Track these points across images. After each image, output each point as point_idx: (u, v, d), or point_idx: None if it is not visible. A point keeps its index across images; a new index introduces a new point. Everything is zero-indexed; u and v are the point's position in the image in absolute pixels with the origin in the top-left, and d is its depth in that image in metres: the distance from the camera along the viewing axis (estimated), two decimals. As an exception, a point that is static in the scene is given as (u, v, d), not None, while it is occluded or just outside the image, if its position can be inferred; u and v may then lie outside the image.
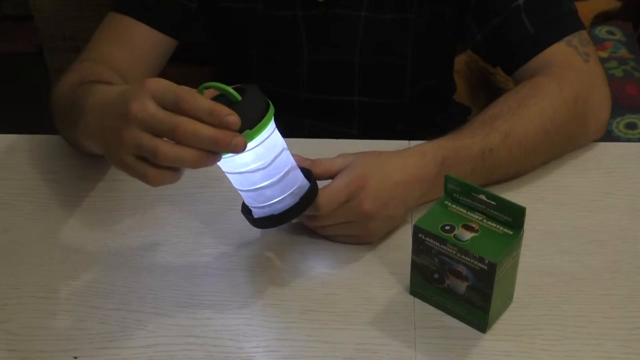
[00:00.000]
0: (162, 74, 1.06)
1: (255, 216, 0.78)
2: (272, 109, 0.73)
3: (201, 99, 0.69)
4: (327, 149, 0.90)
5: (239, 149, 0.68)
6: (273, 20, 1.04)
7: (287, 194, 0.76)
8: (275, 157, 0.74)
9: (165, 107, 0.69)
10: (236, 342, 0.76)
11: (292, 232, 0.86)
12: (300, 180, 0.77)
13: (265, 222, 0.78)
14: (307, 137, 1.02)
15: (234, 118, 0.68)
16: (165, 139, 0.69)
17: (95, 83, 0.84)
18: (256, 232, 0.87)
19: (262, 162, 0.73)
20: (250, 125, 0.70)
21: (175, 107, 0.68)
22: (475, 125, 0.89)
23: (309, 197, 0.77)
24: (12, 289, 0.82)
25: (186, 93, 0.69)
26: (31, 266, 0.84)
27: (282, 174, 0.75)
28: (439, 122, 1.17)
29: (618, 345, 0.74)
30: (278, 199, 0.76)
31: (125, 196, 0.92)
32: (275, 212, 0.76)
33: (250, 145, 0.70)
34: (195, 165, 0.69)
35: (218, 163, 0.71)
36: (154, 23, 1.01)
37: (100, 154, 0.80)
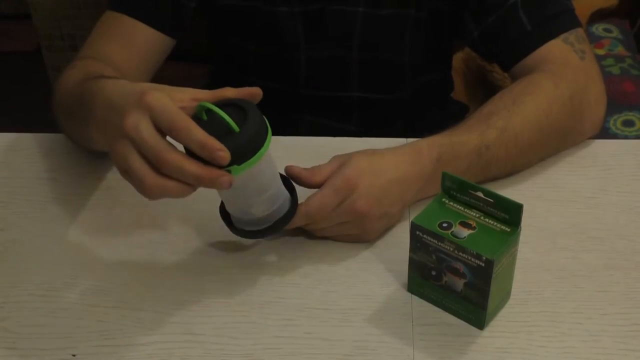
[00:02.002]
0: (161, 72, 1.06)
1: (236, 225, 0.79)
2: (268, 140, 0.71)
3: (195, 130, 0.68)
4: (325, 146, 0.90)
5: (223, 187, 0.69)
6: (271, 16, 1.04)
7: (272, 209, 0.77)
8: (263, 181, 0.74)
9: (159, 128, 0.69)
10: (234, 339, 0.76)
11: (290, 229, 0.86)
12: (283, 195, 0.78)
13: (245, 234, 0.78)
14: (305, 134, 1.02)
15: (224, 154, 0.68)
16: None
17: (102, 78, 0.82)
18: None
19: (248, 186, 0.73)
20: (240, 160, 0.69)
21: (168, 133, 0.69)
22: (471, 121, 0.90)
23: (289, 213, 0.78)
24: (11, 287, 0.82)
25: (181, 120, 0.68)
26: (29, 264, 0.84)
27: (267, 193, 0.75)
28: (437, 119, 1.18)
29: (615, 341, 0.75)
30: (261, 216, 0.76)
31: (123, 194, 0.92)
32: (255, 228, 0.77)
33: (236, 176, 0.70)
34: (179, 196, 0.70)
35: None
36: (152, 22, 1.01)
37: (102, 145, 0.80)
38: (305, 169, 0.82)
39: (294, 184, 0.81)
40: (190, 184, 0.69)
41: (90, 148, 0.90)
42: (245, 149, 0.69)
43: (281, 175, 0.79)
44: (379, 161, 0.83)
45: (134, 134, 0.68)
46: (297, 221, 0.80)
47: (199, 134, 0.68)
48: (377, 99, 1.11)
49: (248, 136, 0.69)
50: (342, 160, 0.82)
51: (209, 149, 0.67)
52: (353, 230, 0.83)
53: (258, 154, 0.70)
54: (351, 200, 0.80)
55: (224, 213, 0.81)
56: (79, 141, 0.93)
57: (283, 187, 0.78)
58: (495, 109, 0.90)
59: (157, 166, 0.68)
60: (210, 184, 0.68)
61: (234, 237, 0.86)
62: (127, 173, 0.70)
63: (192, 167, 0.68)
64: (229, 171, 0.69)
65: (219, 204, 0.87)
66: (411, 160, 0.84)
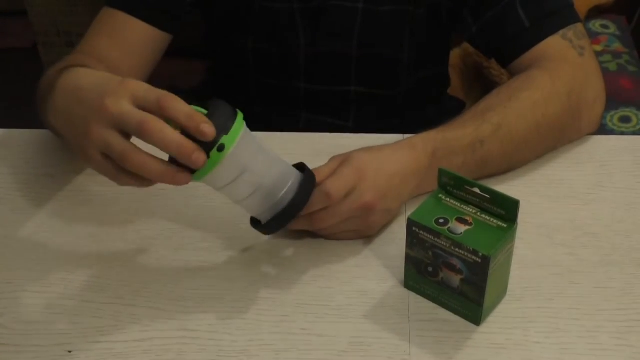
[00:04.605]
0: (159, 68, 1.06)
1: (264, 222, 0.78)
2: (239, 122, 0.72)
3: (182, 102, 0.69)
4: (322, 142, 0.90)
5: (198, 164, 0.69)
6: (270, 12, 1.04)
7: (283, 191, 0.75)
8: (252, 164, 0.73)
9: (144, 108, 0.70)
10: (230, 336, 0.76)
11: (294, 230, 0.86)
12: (293, 176, 0.77)
13: (274, 224, 0.77)
14: (303, 130, 1.02)
15: (209, 127, 0.69)
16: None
17: (76, 67, 0.83)
18: (250, 226, 0.87)
19: (238, 173, 0.73)
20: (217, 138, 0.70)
21: (156, 106, 0.69)
22: (467, 117, 0.89)
23: (307, 187, 0.76)
24: (6, 283, 0.81)
25: (168, 94, 0.69)
26: (25, 261, 0.84)
27: (267, 176, 0.75)
28: (433, 115, 1.17)
29: (611, 337, 0.75)
30: (274, 201, 0.75)
31: (119, 191, 0.91)
32: (279, 210, 0.76)
33: (221, 160, 0.70)
34: (160, 178, 0.70)
35: (205, 183, 0.72)
36: (148, 18, 1.01)
37: (64, 138, 0.81)
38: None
39: (306, 165, 0.79)
40: (172, 167, 0.70)
41: (54, 133, 0.90)
42: (220, 129, 0.70)
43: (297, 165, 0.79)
44: (379, 156, 0.83)
45: (115, 110, 0.69)
46: (317, 201, 0.78)
47: (187, 106, 0.69)
48: (375, 94, 1.11)
49: (219, 115, 0.70)
50: (343, 158, 0.82)
51: (196, 119, 0.68)
52: (357, 226, 0.82)
53: (234, 128, 0.71)
54: (359, 192, 0.79)
55: (254, 221, 0.80)
56: (48, 127, 0.91)
57: (287, 167, 0.77)
58: (492, 105, 0.90)
59: (139, 132, 0.69)
60: (186, 156, 0.68)
61: (229, 234, 0.86)
62: (95, 161, 0.72)
63: (175, 134, 0.69)
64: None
65: (215, 201, 0.87)
66: (408, 155, 0.84)
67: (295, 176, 0.77)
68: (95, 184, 0.93)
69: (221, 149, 0.70)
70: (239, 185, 0.74)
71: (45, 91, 0.85)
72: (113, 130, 0.70)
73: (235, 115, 0.72)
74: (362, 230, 0.84)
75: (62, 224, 0.88)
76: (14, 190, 0.93)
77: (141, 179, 0.72)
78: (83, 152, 0.74)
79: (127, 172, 0.72)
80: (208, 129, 0.69)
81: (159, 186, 0.90)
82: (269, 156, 0.76)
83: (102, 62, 0.94)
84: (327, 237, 0.84)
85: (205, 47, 1.21)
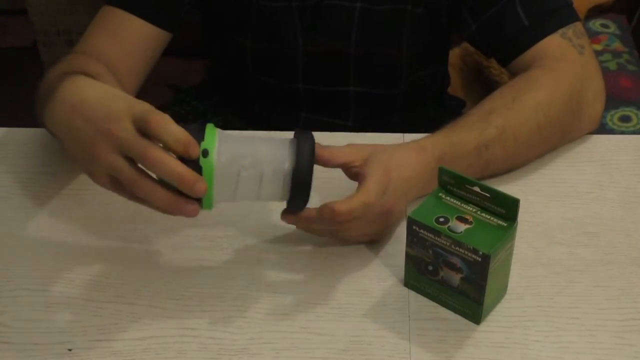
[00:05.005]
0: (158, 68, 1.06)
1: (288, 200, 0.76)
2: (209, 125, 0.73)
3: (168, 125, 0.69)
4: (321, 142, 0.90)
5: (200, 193, 0.69)
6: (268, 11, 1.04)
7: (286, 164, 0.74)
8: (242, 156, 0.73)
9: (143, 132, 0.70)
10: (230, 334, 0.76)
11: (287, 224, 0.86)
12: (286, 145, 0.75)
13: (296, 198, 0.75)
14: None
15: (194, 148, 0.69)
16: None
17: (77, 74, 0.83)
18: (250, 224, 0.87)
19: (235, 172, 0.73)
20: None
21: (149, 130, 0.69)
22: (472, 119, 0.89)
23: (305, 147, 0.74)
24: (6, 281, 0.81)
25: (155, 116, 0.69)
26: (25, 259, 0.84)
27: (263, 159, 0.73)
28: (433, 115, 1.18)
29: (612, 336, 0.75)
30: (285, 177, 0.74)
31: (119, 189, 0.92)
32: (292, 182, 0.74)
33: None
34: (167, 208, 0.71)
35: (216, 202, 0.72)
36: (147, 16, 1.01)
37: (63, 146, 0.80)
38: (322, 147, 0.80)
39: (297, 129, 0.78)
40: (181, 198, 0.70)
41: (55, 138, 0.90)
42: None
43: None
44: (396, 157, 0.82)
45: (121, 134, 0.70)
46: (356, 208, 0.76)
47: (173, 127, 0.69)
48: (374, 93, 1.11)
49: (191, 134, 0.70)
50: (365, 154, 0.81)
51: (182, 144, 0.69)
52: (373, 228, 0.82)
53: (207, 133, 0.71)
54: (387, 195, 0.79)
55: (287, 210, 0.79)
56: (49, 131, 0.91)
57: (278, 142, 0.75)
58: (495, 107, 0.90)
59: (142, 161, 0.70)
60: (190, 187, 0.69)
61: (229, 232, 0.86)
62: (102, 183, 0.74)
63: (177, 167, 0.69)
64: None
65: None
66: (417, 158, 0.83)
67: (290, 144, 0.75)
68: (96, 183, 0.93)
69: (205, 154, 0.70)
70: (243, 183, 0.73)
71: (45, 96, 0.84)
72: (120, 156, 0.71)
73: (204, 125, 0.73)
74: (376, 234, 0.83)
75: (63, 222, 0.88)
76: (14, 189, 0.93)
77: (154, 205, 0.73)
78: (89, 170, 0.74)
79: (137, 197, 0.72)
80: (192, 150, 0.69)
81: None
82: (254, 141, 0.75)
83: (101, 61, 0.94)
84: (335, 240, 0.84)
85: (204, 46, 1.21)
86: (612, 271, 0.81)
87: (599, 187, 0.91)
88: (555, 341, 0.74)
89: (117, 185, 0.73)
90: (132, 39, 1.01)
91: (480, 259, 0.71)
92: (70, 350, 0.75)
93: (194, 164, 0.70)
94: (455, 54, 1.37)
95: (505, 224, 0.73)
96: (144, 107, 0.71)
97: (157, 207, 0.72)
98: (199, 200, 0.71)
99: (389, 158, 0.81)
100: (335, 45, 1.06)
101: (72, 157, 0.78)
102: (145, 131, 0.69)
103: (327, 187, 0.86)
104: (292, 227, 0.85)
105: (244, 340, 0.75)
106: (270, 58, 1.09)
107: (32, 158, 0.97)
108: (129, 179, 0.71)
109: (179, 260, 0.83)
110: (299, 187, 0.74)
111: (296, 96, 1.11)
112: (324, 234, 0.83)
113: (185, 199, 0.70)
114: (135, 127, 0.70)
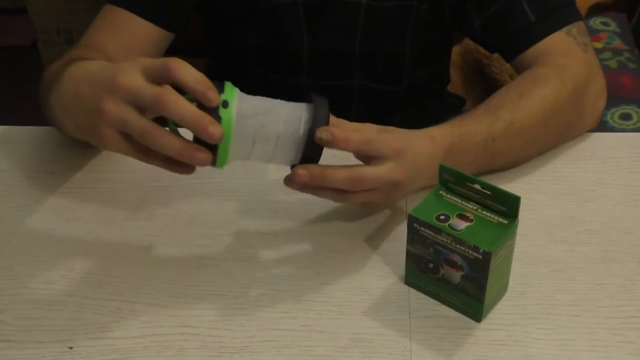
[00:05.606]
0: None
1: (302, 153, 0.75)
2: (228, 82, 0.72)
3: (190, 66, 0.69)
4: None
5: (214, 136, 0.68)
6: (273, 8, 1.04)
7: (302, 127, 0.74)
8: (260, 114, 0.73)
9: (155, 81, 0.70)
10: (231, 332, 0.76)
11: (288, 222, 0.86)
12: (304, 109, 0.75)
13: (314, 145, 0.74)
14: None
15: (214, 93, 0.69)
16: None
17: (80, 59, 0.83)
18: (251, 222, 0.87)
19: (253, 130, 0.72)
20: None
21: (165, 70, 0.69)
22: (480, 112, 0.89)
23: (321, 111, 0.75)
24: (7, 280, 0.81)
25: (175, 58, 0.69)
26: (26, 257, 0.84)
27: (281, 120, 0.73)
28: (433, 112, 1.18)
29: (612, 334, 0.75)
30: (299, 139, 0.74)
31: (119, 187, 0.92)
32: (305, 144, 0.74)
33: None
34: (180, 154, 0.69)
35: (230, 156, 0.71)
36: (150, 16, 1.01)
37: (69, 126, 0.80)
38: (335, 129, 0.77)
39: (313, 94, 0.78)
40: (192, 146, 0.70)
41: (58, 129, 0.90)
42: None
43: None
44: (411, 138, 0.82)
45: (129, 84, 0.69)
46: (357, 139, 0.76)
47: (194, 71, 0.69)
48: (376, 89, 1.11)
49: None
50: (383, 128, 0.81)
51: (205, 85, 0.68)
52: (377, 197, 0.81)
53: (227, 86, 0.71)
54: (398, 166, 0.78)
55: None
56: (51, 122, 0.91)
57: (295, 105, 0.76)
58: (503, 102, 0.90)
59: (155, 105, 0.69)
60: (205, 127, 0.68)
61: (230, 231, 0.86)
62: (109, 138, 0.71)
63: (192, 107, 0.68)
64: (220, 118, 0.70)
65: (215, 198, 0.87)
66: (426, 146, 0.83)
67: (306, 108, 0.75)
68: (96, 181, 0.93)
69: (225, 104, 0.69)
70: (260, 141, 0.73)
71: (50, 82, 0.84)
72: (128, 106, 0.70)
73: (222, 82, 0.72)
74: (377, 204, 0.83)
75: (63, 220, 0.88)
76: (15, 187, 0.93)
77: (165, 159, 0.72)
78: (96, 132, 0.72)
79: (149, 151, 0.71)
80: (213, 95, 0.69)
81: (160, 183, 0.91)
82: (272, 101, 0.75)
83: (102, 55, 0.94)
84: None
85: (205, 44, 1.21)
86: (612, 269, 0.81)
87: (599, 185, 0.91)
88: (556, 339, 0.74)
89: (127, 141, 0.71)
90: (134, 38, 1.01)
91: (481, 257, 0.71)
92: (71, 348, 0.75)
93: (213, 114, 0.69)
94: (455, 52, 1.37)
95: (506, 222, 0.73)
96: (155, 59, 0.70)
97: (169, 155, 0.70)
98: (213, 156, 0.70)
99: (407, 137, 0.81)
100: (340, 41, 1.06)
101: (77, 128, 0.77)
102: (160, 78, 0.69)
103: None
104: (293, 226, 0.85)
105: (245, 338, 0.75)
106: (275, 55, 1.09)
107: (32, 156, 0.97)
108: (140, 128, 0.69)
109: (179, 258, 0.83)
110: (312, 148, 0.73)
111: (300, 91, 1.11)
112: (325, 195, 0.80)
113: (198, 146, 0.69)
114: (146, 78, 0.69)
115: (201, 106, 0.69)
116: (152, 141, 0.70)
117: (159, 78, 0.70)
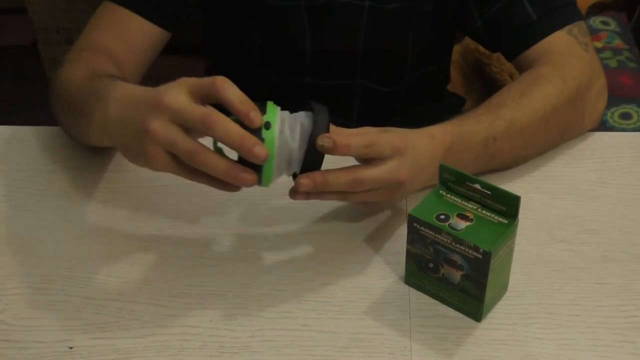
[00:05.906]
0: (157, 66, 1.06)
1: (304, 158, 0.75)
2: (269, 102, 0.73)
3: (235, 87, 0.70)
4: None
5: (260, 156, 0.69)
6: (276, 10, 1.04)
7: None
8: (292, 133, 0.74)
9: (200, 100, 0.70)
10: (231, 332, 0.76)
11: (288, 222, 0.86)
12: (309, 114, 0.76)
13: (310, 156, 0.75)
14: None
15: (256, 114, 0.70)
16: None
17: (113, 77, 0.83)
18: (251, 221, 0.87)
19: (288, 151, 0.74)
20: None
21: (211, 89, 0.70)
22: (481, 111, 0.89)
23: (321, 119, 0.75)
24: (8, 279, 0.81)
25: (221, 77, 0.70)
26: (27, 257, 0.84)
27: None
28: (433, 112, 1.18)
29: (612, 333, 0.75)
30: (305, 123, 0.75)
31: (120, 187, 0.92)
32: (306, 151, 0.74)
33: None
34: (225, 175, 0.70)
35: (275, 174, 0.73)
36: (149, 15, 1.01)
37: (109, 145, 0.81)
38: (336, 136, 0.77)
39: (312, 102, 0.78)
40: (239, 167, 0.70)
41: (87, 143, 0.90)
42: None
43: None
44: (413, 138, 0.81)
45: (175, 103, 0.69)
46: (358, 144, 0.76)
47: (239, 92, 0.70)
48: (377, 89, 1.11)
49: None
50: (383, 129, 0.81)
51: (248, 107, 0.70)
52: (379, 197, 0.81)
53: (269, 106, 0.72)
54: (400, 165, 0.78)
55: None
56: (77, 136, 0.93)
57: (303, 115, 0.76)
58: (504, 101, 0.90)
59: (201, 125, 0.69)
60: (250, 148, 0.69)
61: (230, 230, 0.86)
62: (155, 158, 0.72)
63: (238, 128, 0.69)
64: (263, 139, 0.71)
65: (216, 198, 0.87)
66: (426, 145, 0.83)
67: (308, 114, 0.76)
68: (96, 181, 0.93)
69: (268, 126, 0.70)
70: (292, 159, 0.74)
71: (82, 99, 0.84)
72: (175, 126, 0.70)
73: (265, 102, 0.73)
74: (380, 202, 0.83)
75: (63, 220, 0.88)
76: (15, 187, 0.93)
77: (212, 178, 0.72)
78: (143, 153, 0.72)
79: (196, 170, 0.72)
80: (255, 115, 0.69)
81: (160, 182, 0.91)
82: (296, 118, 0.75)
83: (108, 57, 0.95)
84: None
85: (205, 44, 1.21)
86: (612, 268, 0.81)
87: (599, 185, 0.91)
88: (556, 338, 0.74)
89: (174, 161, 0.72)
90: (134, 37, 1.01)
91: (481, 256, 0.71)
92: (71, 348, 0.75)
93: (256, 134, 0.69)
94: (455, 51, 1.37)
95: (506, 221, 0.73)
96: (200, 79, 0.71)
97: (215, 176, 0.71)
98: (257, 176, 0.71)
99: (408, 136, 0.81)
100: (343, 43, 1.06)
101: (124, 151, 0.77)
102: (206, 97, 0.70)
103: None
104: (294, 225, 0.85)
105: (245, 338, 0.75)
106: (277, 56, 1.09)
107: (32, 156, 0.97)
108: (187, 149, 0.70)
109: (180, 258, 0.83)
110: (312, 155, 0.74)
111: (302, 91, 1.11)
112: (328, 198, 0.80)
113: (242, 167, 0.70)
114: (191, 97, 0.70)
115: (244, 125, 0.70)
116: (199, 162, 0.70)
117: (204, 97, 0.70)
